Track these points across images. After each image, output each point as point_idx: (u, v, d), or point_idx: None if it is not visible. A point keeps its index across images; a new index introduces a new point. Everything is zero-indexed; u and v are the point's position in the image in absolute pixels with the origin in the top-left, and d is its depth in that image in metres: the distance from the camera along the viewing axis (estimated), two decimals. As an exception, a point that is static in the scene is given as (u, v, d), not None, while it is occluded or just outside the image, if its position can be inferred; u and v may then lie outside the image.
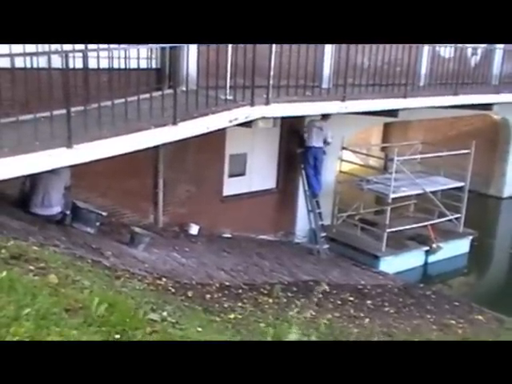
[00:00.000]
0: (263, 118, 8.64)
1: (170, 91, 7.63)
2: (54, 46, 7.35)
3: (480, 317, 9.07)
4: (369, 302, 8.88)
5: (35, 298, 3.34)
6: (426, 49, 12.21)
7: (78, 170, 7.46)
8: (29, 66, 6.33)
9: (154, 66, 8.69)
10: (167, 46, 8.48)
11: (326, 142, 11.31)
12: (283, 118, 9.83)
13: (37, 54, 6.66)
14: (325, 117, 10.98)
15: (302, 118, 10.87)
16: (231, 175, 11.13)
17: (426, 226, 12.27)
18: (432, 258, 12.03)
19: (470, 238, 12.86)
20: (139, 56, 7.13)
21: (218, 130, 8.25)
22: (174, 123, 7.17)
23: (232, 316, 6.08)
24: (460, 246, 12.66)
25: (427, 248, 11.93)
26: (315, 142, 11.21)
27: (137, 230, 8.39)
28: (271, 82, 8.49)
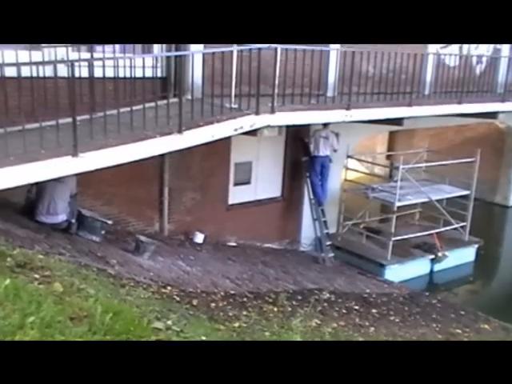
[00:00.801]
0: (268, 126, 8.65)
1: (176, 100, 7.67)
2: (59, 55, 7.43)
3: (486, 326, 9.02)
4: (374, 310, 8.85)
5: (40, 307, 3.34)
6: (431, 57, 12.22)
7: (83, 178, 7.50)
8: (35, 74, 6.37)
9: (159, 74, 8.73)
10: (173, 54, 8.53)
11: (334, 150, 11.35)
12: (288, 127, 9.85)
13: (43, 63, 6.71)
14: (326, 125, 11.02)
15: (307, 126, 10.88)
16: (236, 183, 11.15)
17: (431, 234, 12.25)
18: (438, 267, 12.00)
19: (476, 246, 12.82)
20: (144, 65, 7.16)
21: (224, 138, 8.28)
22: (180, 132, 7.20)
23: (237, 324, 6.06)
24: (466, 255, 12.62)
25: (433, 256, 11.90)
26: (321, 151, 11.23)
27: (142, 238, 8.40)
28: (276, 90, 8.52)
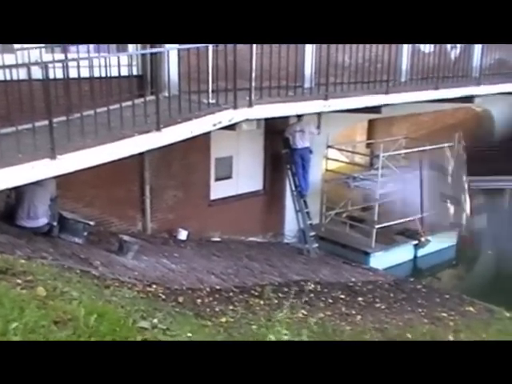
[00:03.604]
0: (247, 120, 8.65)
1: (153, 97, 7.62)
2: (33, 57, 7.34)
3: (471, 308, 9.13)
4: (360, 298, 8.91)
5: (23, 312, 3.32)
6: (406, 44, 12.27)
7: (63, 181, 7.44)
8: (9, 78, 6.29)
9: (135, 72, 8.63)
10: (148, 52, 8.48)
11: (317, 133, 11.38)
12: (267, 120, 9.85)
13: (16, 65, 6.64)
14: (300, 117, 11.04)
15: (285, 118, 10.89)
16: (218, 179, 11.12)
17: (413, 220, 12.34)
18: (421, 252, 12.10)
19: (458, 230, 12.94)
20: (120, 63, 7.09)
21: (203, 134, 8.26)
22: (158, 129, 7.16)
23: (223, 320, 6.08)
24: (448, 239, 12.74)
25: (416, 242, 12.00)
26: (299, 143, 11.24)
27: (125, 237, 8.37)
28: (253, 83, 8.51)
